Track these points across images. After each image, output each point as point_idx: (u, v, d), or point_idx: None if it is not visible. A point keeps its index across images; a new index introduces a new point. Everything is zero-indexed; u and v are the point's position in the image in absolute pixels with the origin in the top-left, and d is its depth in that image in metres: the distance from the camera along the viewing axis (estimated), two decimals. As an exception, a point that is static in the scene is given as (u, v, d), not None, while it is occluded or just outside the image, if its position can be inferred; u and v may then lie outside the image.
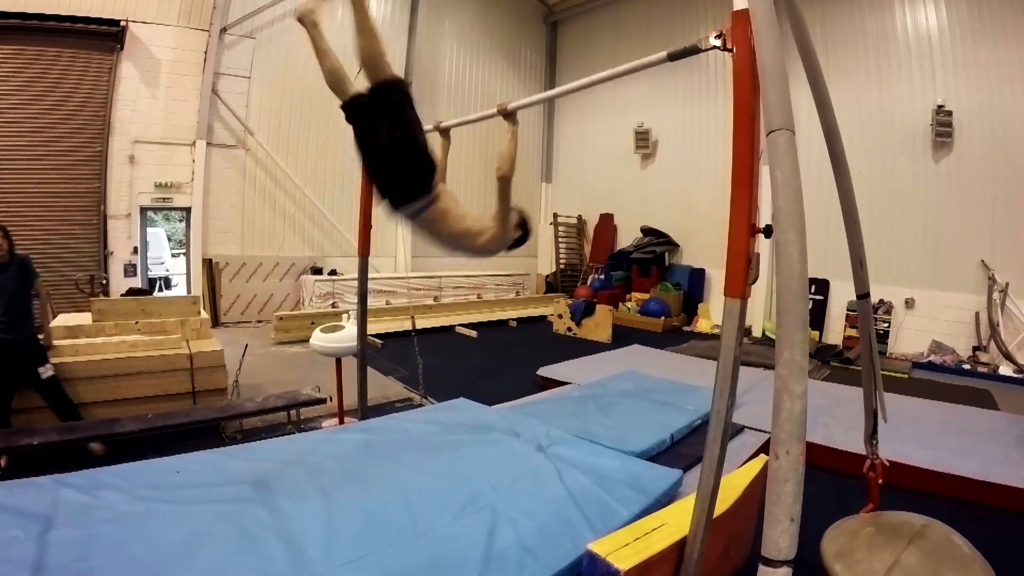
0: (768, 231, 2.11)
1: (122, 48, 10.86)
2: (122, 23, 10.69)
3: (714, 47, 2.34)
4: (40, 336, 5.53)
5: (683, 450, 4.76)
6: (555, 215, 16.80)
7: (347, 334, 5.65)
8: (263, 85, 12.39)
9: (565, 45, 17.57)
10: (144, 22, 11.06)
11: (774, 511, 1.92)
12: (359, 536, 2.99)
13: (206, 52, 11.62)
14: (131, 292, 9.39)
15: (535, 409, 5.44)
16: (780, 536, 1.90)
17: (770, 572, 1.93)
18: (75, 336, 6.23)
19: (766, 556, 1.94)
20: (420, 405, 6.65)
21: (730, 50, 2.25)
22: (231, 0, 11.84)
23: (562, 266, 16.54)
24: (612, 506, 3.41)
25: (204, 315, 7.05)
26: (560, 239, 16.71)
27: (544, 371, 7.56)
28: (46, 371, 5.31)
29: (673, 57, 2.66)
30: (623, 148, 15.61)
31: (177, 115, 11.53)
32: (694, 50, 2.50)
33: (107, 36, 10.68)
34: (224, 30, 11.81)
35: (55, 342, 5.84)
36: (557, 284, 16.37)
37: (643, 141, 15.13)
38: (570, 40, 17.46)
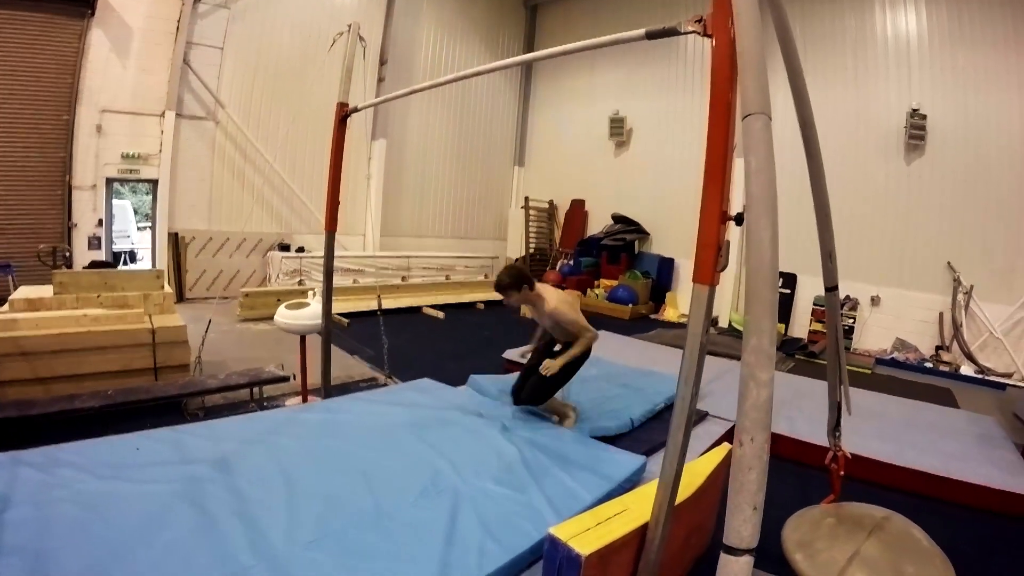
0: (739, 219, 2.10)
1: (93, 14, 10.51)
2: None
3: (694, 32, 2.31)
4: None
5: (645, 435, 4.81)
6: (526, 199, 16.72)
7: (312, 311, 5.57)
8: (236, 57, 12.11)
9: (544, 30, 17.44)
10: None
11: (737, 499, 1.91)
12: (320, 516, 2.98)
13: (179, 21, 11.29)
14: (94, 265, 9.19)
15: (498, 391, 5.44)
16: (742, 524, 1.90)
17: (732, 561, 1.93)
18: (36, 309, 6.07)
19: (728, 544, 1.93)
20: (385, 385, 6.64)
21: (709, 36, 2.23)
22: None
23: (531, 250, 16.51)
24: (574, 490, 3.43)
25: (168, 290, 6.91)
26: (530, 223, 16.67)
27: (510, 354, 7.55)
28: None
29: (651, 36, 2.62)
30: (598, 135, 15.59)
31: (147, 85, 11.20)
32: (672, 31, 2.47)
33: (78, 1, 10.34)
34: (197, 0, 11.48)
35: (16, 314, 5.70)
36: (526, 268, 16.37)
37: (618, 129, 15.12)
38: (549, 25, 17.34)
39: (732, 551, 1.93)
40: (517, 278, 4.47)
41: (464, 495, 3.27)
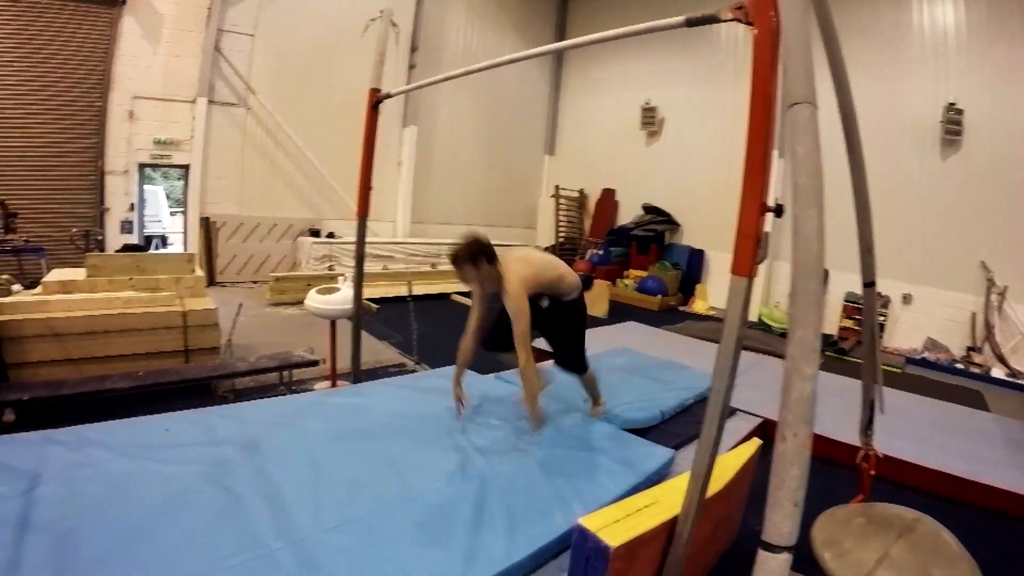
0: (778, 210, 2.08)
1: (124, 2, 10.68)
2: None
3: (735, 19, 2.25)
4: None
5: (674, 428, 4.77)
6: (557, 188, 16.67)
7: (343, 296, 5.58)
8: (267, 44, 12.20)
9: (576, 17, 17.27)
10: None
11: (778, 495, 1.88)
12: (346, 500, 2.99)
13: (210, 8, 11.43)
14: (126, 248, 9.34)
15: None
16: (783, 521, 1.87)
17: (770, 558, 1.90)
18: (68, 291, 6.15)
19: (767, 541, 1.90)
20: (413, 371, 6.66)
21: (750, 24, 2.17)
22: None
23: (561, 239, 16.47)
24: (603, 480, 3.43)
25: (199, 273, 6.99)
26: (560, 212, 16.62)
27: (538, 342, 7.53)
28: None
29: (691, 23, 2.56)
30: (629, 124, 15.47)
31: (178, 72, 11.35)
32: (712, 19, 2.40)
33: None
34: None
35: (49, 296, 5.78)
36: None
37: (649, 118, 15.01)
38: (581, 12, 17.18)
39: (771, 548, 1.90)
40: (475, 250, 3.89)
41: (491, 482, 3.26)
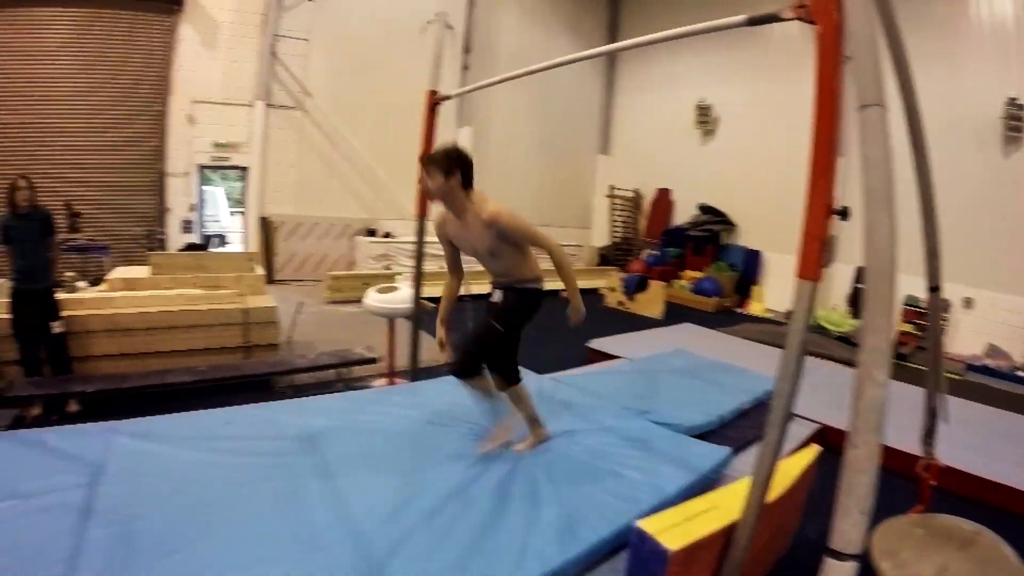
0: (843, 213, 2.05)
1: (181, 10, 11.13)
2: None
3: (796, 18, 2.21)
4: (56, 291, 5.58)
5: (731, 432, 4.69)
6: (611, 187, 16.59)
7: (401, 295, 5.68)
8: (322, 48, 12.47)
9: (627, 14, 17.10)
10: None
11: (846, 502, 1.86)
12: (403, 495, 3.04)
13: (265, 14, 11.80)
14: (189, 248, 9.63)
15: (585, 380, 5.43)
16: (851, 528, 1.85)
17: (837, 566, 1.88)
18: (132, 288, 6.42)
19: (834, 549, 1.89)
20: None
21: (812, 22, 2.14)
22: None
23: (616, 239, 16.40)
24: (658, 481, 3.40)
25: (259, 271, 7.15)
26: (615, 212, 16.54)
27: (594, 343, 7.51)
28: (57, 327, 5.41)
29: (754, 22, 2.53)
30: (684, 123, 15.27)
31: (236, 76, 11.76)
32: (773, 18, 2.37)
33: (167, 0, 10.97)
34: None
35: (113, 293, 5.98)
36: (611, 257, 16.25)
37: (704, 117, 14.81)
38: (632, 10, 17.00)
39: (838, 556, 1.89)
40: (452, 158, 3.39)
41: (547, 481, 3.28)
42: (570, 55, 4.01)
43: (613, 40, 16.55)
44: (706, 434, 4.55)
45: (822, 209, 2.08)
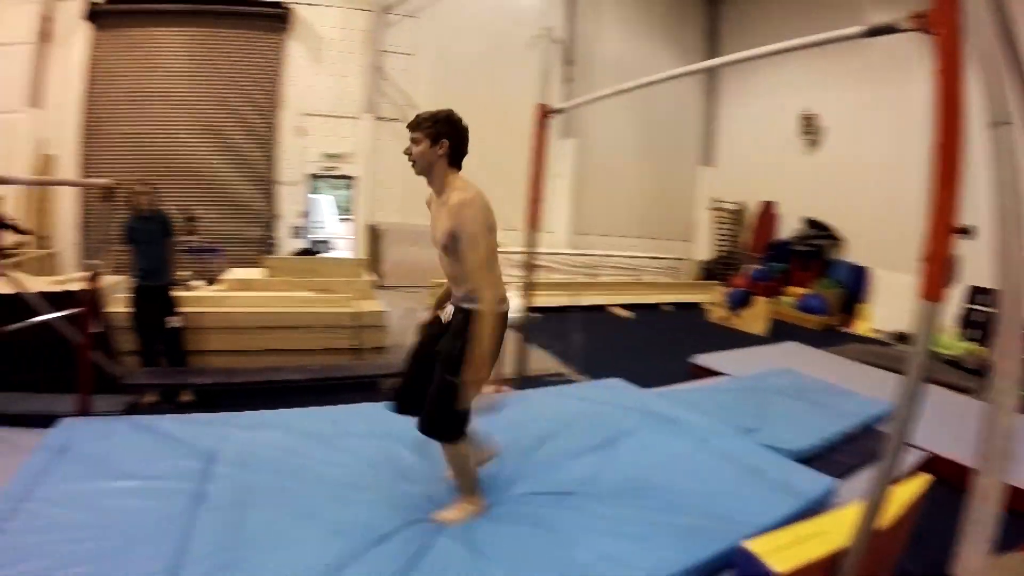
0: (967, 232, 1.98)
1: (289, 28, 11.84)
2: (287, 6, 11.73)
3: (914, 29, 2.15)
4: (173, 288, 5.87)
5: (837, 457, 4.49)
6: (714, 200, 16.17)
7: (513, 304, 5.57)
8: (426, 62, 12.78)
9: (728, 23, 16.62)
10: (310, 4, 11.96)
11: (972, 531, 1.86)
12: (511, 497, 3.10)
13: (369, 31, 12.27)
14: (302, 252, 10.00)
15: (689, 396, 5.27)
16: (974, 557, 1.83)
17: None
18: (247, 289, 6.79)
19: (957, 576, 1.78)
20: (572, 381, 6.54)
21: (932, 33, 2.07)
22: None
23: (720, 253, 15.96)
24: (761, 503, 3.31)
25: (369, 277, 7.25)
26: (718, 225, 16.10)
27: (698, 359, 7.25)
28: (174, 321, 5.70)
29: (873, 33, 2.46)
30: (787, 133, 14.67)
31: (343, 90, 12.29)
32: (890, 29, 2.29)
33: (275, 18, 11.76)
34: (386, 10, 12.38)
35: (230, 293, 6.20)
36: (713, 271, 15.81)
37: (809, 127, 14.19)
38: (733, 17, 16.50)
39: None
40: (441, 122, 2.86)
41: (652, 496, 3.23)
42: (679, 69, 4.02)
43: (713, 47, 16.37)
44: (811, 458, 4.37)
45: (945, 227, 2.03)
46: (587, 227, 14.87)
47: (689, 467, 3.66)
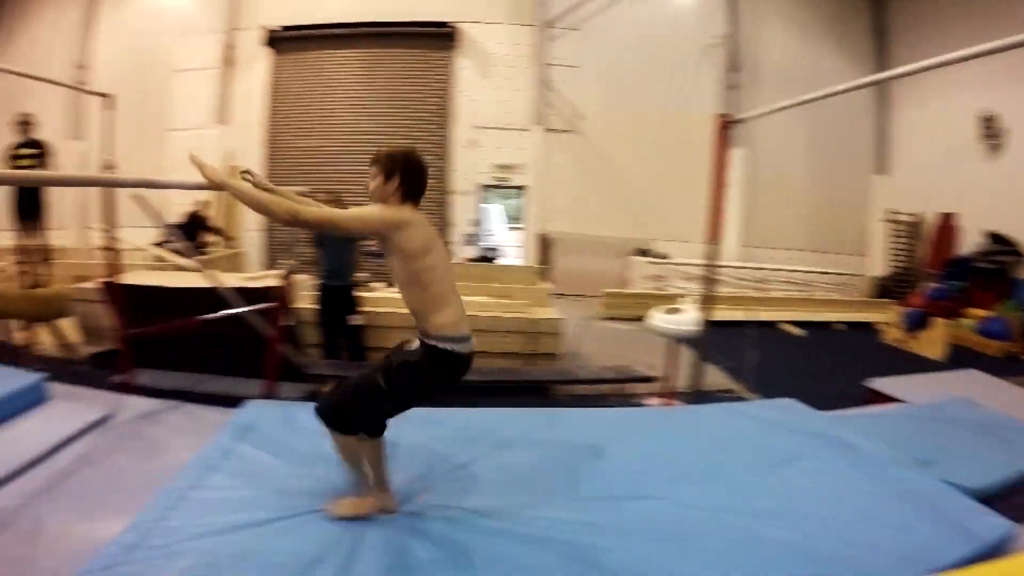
0: None
1: (457, 46, 12.50)
2: (455, 25, 12.40)
3: None
4: (356, 289, 6.30)
5: (1019, 500, 4.01)
6: (889, 211, 15.12)
7: (687, 317, 5.58)
8: (591, 73, 12.81)
9: (895, 20, 15.37)
10: (475, 22, 12.53)
11: None
12: (672, 515, 2.97)
13: (535, 45, 12.56)
14: (480, 259, 10.51)
15: (863, 422, 4.88)
16: None
17: None
18: None
19: None
20: (743, 398, 6.42)
21: None
22: None
23: (894, 269, 14.95)
24: (934, 541, 2.98)
25: (545, 285, 7.44)
26: (894, 239, 15.08)
27: (874, 383, 6.88)
28: (356, 319, 6.13)
29: None
30: (966, 136, 13.46)
31: (512, 103, 12.66)
32: None
33: (443, 37, 12.47)
34: (549, 24, 12.58)
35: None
36: (887, 288, 14.86)
37: (990, 129, 12.86)
38: (903, 12, 15.24)
39: None
40: (396, 160, 2.78)
41: (821, 523, 3.04)
42: (868, 78, 3.69)
43: (881, 45, 15.19)
44: (990, 497, 3.95)
45: None
46: (756, 239, 14.29)
47: (863, 497, 3.39)
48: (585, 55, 12.78)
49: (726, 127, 5.10)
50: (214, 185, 2.81)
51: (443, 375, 2.79)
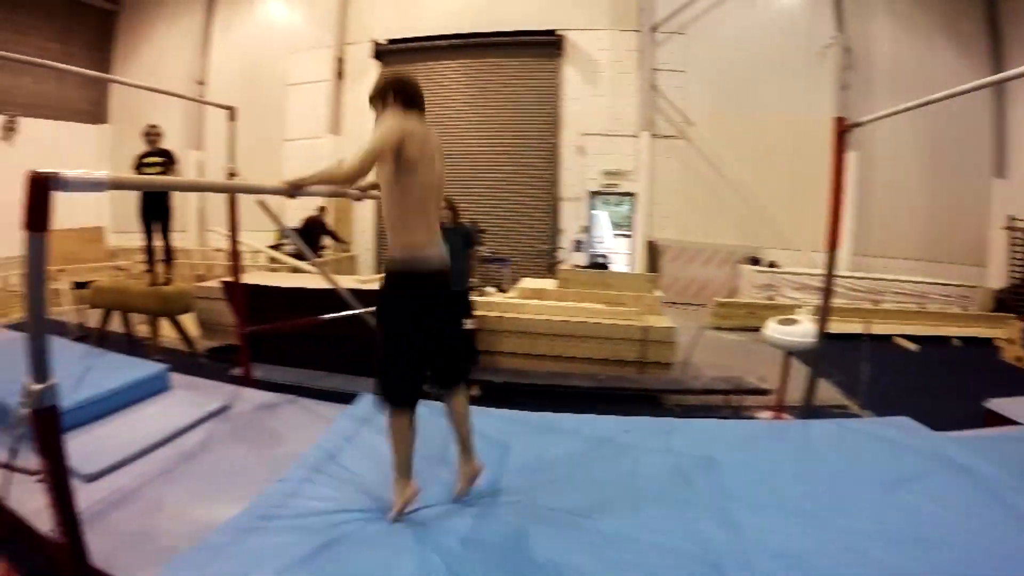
0: None
1: (563, 54, 12.68)
2: (559, 33, 12.57)
3: None
4: (470, 294, 6.50)
5: None
6: (1011, 218, 14.15)
7: (803, 329, 5.48)
8: (698, 77, 12.69)
9: (1009, 13, 14.30)
10: (579, 29, 12.67)
11: None
12: (788, 533, 2.93)
13: (640, 51, 12.54)
14: (592, 265, 10.61)
15: (981, 445, 4.59)
16: None
17: None
18: (540, 297, 7.21)
19: None
20: (855, 415, 6.22)
21: None
22: (656, 0, 12.51)
23: (1015, 281, 14.00)
24: None
25: (659, 293, 7.47)
26: (1014, 248, 14.11)
27: (994, 404, 6.54)
28: (469, 323, 6.26)
29: None
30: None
31: (619, 109, 12.67)
32: None
33: (548, 45, 12.68)
34: (654, 29, 12.52)
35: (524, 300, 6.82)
36: (1008, 302, 13.93)
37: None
38: (1015, 4, 14.27)
39: None
40: (383, 86, 2.99)
41: (935, 549, 2.90)
42: (993, 77, 3.49)
43: (995, 40, 13.95)
44: None
45: None
46: (868, 248, 13.65)
47: (979, 524, 3.19)
48: (691, 59, 12.69)
49: (843, 131, 4.95)
50: (294, 186, 2.98)
51: (416, 298, 2.83)
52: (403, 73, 3.06)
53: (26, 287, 1.80)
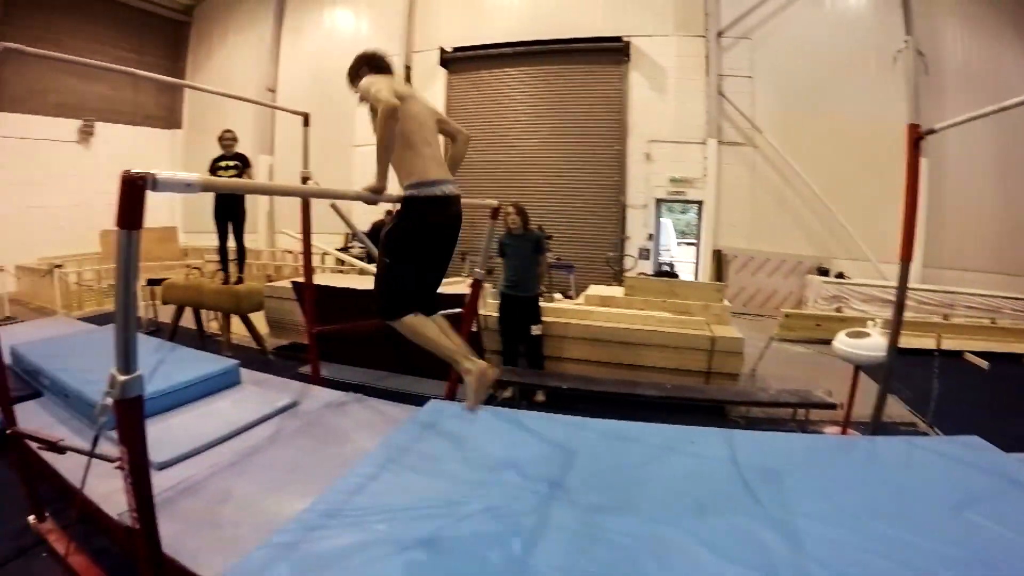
0: None
1: (629, 60, 12.69)
2: (624, 39, 12.58)
3: None
4: (538, 300, 6.58)
5: None
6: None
7: (873, 342, 5.36)
8: (765, 83, 12.51)
9: None
10: (644, 35, 12.65)
11: None
12: (854, 549, 2.84)
13: (706, 57, 12.45)
14: (660, 274, 10.60)
15: None
16: None
17: None
18: (607, 305, 7.25)
19: None
20: (923, 433, 6.11)
21: None
22: (722, 5, 12.38)
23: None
24: None
25: (727, 303, 7.42)
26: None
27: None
28: (536, 330, 6.41)
29: None
30: None
31: (686, 116, 12.60)
32: None
33: (614, 51, 12.70)
34: (720, 34, 12.42)
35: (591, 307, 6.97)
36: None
37: None
38: None
39: None
40: (355, 64, 3.40)
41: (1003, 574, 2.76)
42: None
43: None
44: None
45: None
46: (938, 260, 13.02)
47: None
48: (757, 65, 12.55)
49: (917, 138, 4.80)
50: (375, 191, 2.95)
51: (427, 224, 3.05)
52: (370, 49, 3.41)
53: (117, 281, 1.88)
